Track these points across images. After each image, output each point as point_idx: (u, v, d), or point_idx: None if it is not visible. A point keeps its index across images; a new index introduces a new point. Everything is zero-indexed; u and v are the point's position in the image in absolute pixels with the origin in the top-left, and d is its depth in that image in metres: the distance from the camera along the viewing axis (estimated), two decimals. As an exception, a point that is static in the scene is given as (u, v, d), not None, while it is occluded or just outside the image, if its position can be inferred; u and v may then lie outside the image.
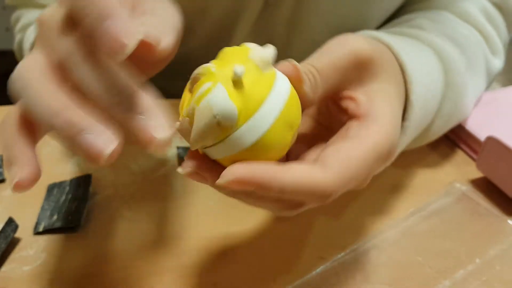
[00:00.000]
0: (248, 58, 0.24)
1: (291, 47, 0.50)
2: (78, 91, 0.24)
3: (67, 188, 0.40)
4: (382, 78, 0.30)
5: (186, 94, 0.25)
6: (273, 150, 0.24)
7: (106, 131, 0.22)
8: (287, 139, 0.25)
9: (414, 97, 0.33)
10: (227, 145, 0.24)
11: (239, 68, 0.23)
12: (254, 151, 0.24)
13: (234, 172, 0.23)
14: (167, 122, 0.23)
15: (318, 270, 0.35)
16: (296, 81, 0.26)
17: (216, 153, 0.24)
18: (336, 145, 0.26)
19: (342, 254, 0.36)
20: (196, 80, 0.24)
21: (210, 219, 0.38)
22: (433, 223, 0.38)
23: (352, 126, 0.28)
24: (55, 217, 0.37)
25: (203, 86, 0.23)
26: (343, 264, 0.35)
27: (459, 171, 0.43)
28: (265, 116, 0.23)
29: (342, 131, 0.28)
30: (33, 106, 0.24)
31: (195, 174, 0.25)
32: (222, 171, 0.24)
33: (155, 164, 0.43)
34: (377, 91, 0.29)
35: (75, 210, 0.38)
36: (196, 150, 0.26)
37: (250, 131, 0.23)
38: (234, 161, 0.24)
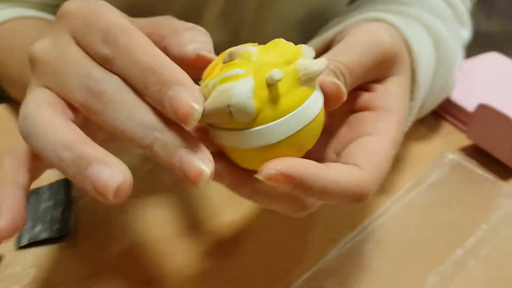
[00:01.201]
0: (294, 64, 0.22)
1: (263, 26, 0.49)
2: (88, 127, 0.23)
3: (46, 194, 0.36)
4: (399, 70, 0.29)
5: (217, 62, 0.23)
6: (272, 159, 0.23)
7: (120, 163, 0.20)
8: (291, 155, 0.23)
9: (420, 78, 0.32)
10: (231, 136, 0.22)
11: (277, 74, 0.21)
12: (253, 154, 0.23)
13: (276, 165, 0.22)
14: (207, 151, 0.21)
15: (332, 254, 0.33)
16: (334, 100, 0.24)
17: (217, 136, 0.23)
18: (360, 142, 0.26)
19: (353, 234, 0.35)
20: (232, 57, 0.22)
21: (210, 212, 0.36)
22: (434, 196, 0.38)
23: (368, 119, 0.27)
24: (38, 227, 0.33)
25: (234, 70, 0.21)
26: (356, 245, 0.34)
27: (448, 141, 0.43)
28: (278, 129, 0.22)
29: (354, 122, 0.28)
30: (43, 142, 0.21)
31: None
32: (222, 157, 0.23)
33: (139, 159, 0.40)
34: (394, 83, 0.29)
35: (61, 217, 0.34)
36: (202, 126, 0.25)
37: (258, 136, 0.22)
38: (232, 152, 0.23)
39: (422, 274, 0.32)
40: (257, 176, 0.22)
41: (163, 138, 0.21)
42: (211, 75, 0.23)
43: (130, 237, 0.34)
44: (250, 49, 0.22)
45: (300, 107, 0.22)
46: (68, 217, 0.34)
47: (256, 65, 0.22)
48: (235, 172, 0.24)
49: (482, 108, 0.39)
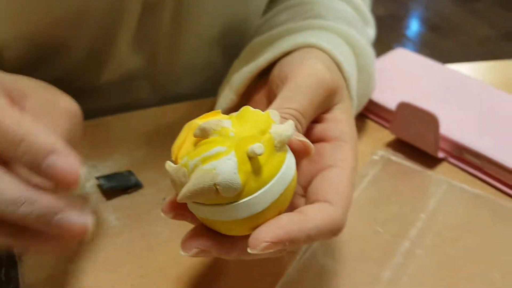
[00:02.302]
0: (268, 132, 0.23)
1: (180, 46, 0.48)
2: None
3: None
4: (342, 97, 0.31)
5: (186, 136, 0.24)
6: (257, 224, 0.24)
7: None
8: (274, 216, 0.24)
9: (353, 92, 0.35)
10: (216, 211, 0.23)
11: (259, 149, 0.22)
12: (239, 224, 0.24)
13: (265, 237, 0.23)
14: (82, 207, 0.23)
15: (294, 266, 0.34)
16: (303, 156, 0.26)
17: (200, 212, 0.24)
18: (324, 176, 0.27)
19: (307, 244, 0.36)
20: (207, 133, 0.23)
21: (172, 247, 0.35)
22: (373, 193, 0.41)
23: (326, 151, 0.29)
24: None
25: (215, 148, 0.22)
26: (312, 254, 0.35)
27: (375, 139, 0.46)
28: (263, 198, 0.23)
29: (313, 156, 0.29)
30: None
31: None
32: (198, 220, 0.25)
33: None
34: (340, 110, 0.31)
35: (6, 278, 0.32)
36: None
37: (245, 208, 0.23)
38: (217, 223, 0.24)
39: (377, 270, 0.34)
40: (250, 251, 0.23)
41: (34, 210, 0.21)
42: (185, 151, 0.23)
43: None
44: (226, 124, 0.23)
45: (280, 172, 0.23)
46: (14, 276, 0.32)
47: (235, 140, 0.22)
48: (222, 243, 0.25)
49: (403, 106, 0.42)
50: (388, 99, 0.47)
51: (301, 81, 0.29)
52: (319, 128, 0.30)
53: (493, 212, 0.39)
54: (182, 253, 0.25)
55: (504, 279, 0.34)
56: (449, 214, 0.39)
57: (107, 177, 0.39)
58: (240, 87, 0.37)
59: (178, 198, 0.23)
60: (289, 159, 0.24)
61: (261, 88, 0.36)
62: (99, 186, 0.39)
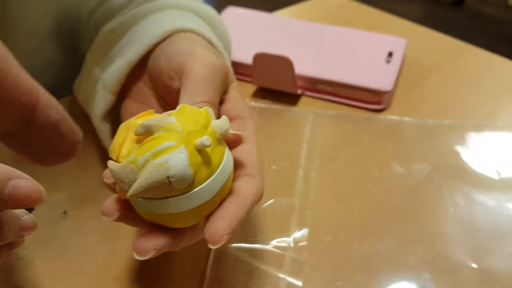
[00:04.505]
0: (211, 126, 0.25)
1: (14, 46, 0.45)
2: None
3: None
4: (232, 76, 0.34)
5: (126, 135, 0.24)
6: (204, 214, 0.26)
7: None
8: (217, 203, 0.26)
9: (229, 65, 0.37)
10: (166, 204, 0.24)
11: (207, 141, 0.24)
12: (188, 214, 0.25)
13: (224, 230, 0.25)
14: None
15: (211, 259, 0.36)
16: (236, 146, 0.29)
17: (148, 207, 0.25)
18: (239, 152, 0.30)
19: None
20: (151, 130, 0.23)
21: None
22: (260, 140, 0.44)
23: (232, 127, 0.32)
24: None
25: (165, 143, 0.23)
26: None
27: (241, 95, 0.50)
28: (211, 187, 0.25)
29: None
30: None
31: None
32: (142, 220, 0.26)
33: None
34: (233, 90, 0.34)
35: None
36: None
37: (195, 198, 0.24)
38: (164, 217, 0.25)
39: (287, 200, 0.39)
40: (212, 247, 0.25)
41: None
42: (128, 149, 0.24)
43: None
44: (169, 119, 0.24)
45: (223, 162, 0.25)
46: None
47: (183, 134, 0.24)
48: (173, 238, 0.26)
49: (259, 57, 0.47)
50: (242, 55, 0.51)
51: (202, 73, 0.31)
52: (221, 110, 0.32)
53: (355, 124, 0.47)
54: (138, 257, 0.25)
55: (380, 172, 0.42)
56: (323, 137, 0.45)
57: None
58: (116, 86, 0.37)
59: (129, 194, 0.23)
60: (227, 150, 0.26)
61: (137, 79, 0.37)
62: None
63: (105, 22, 0.42)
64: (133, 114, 0.36)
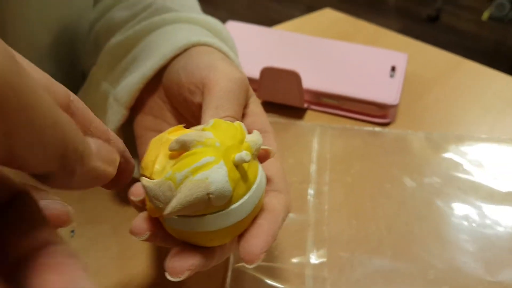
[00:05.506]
0: (246, 141, 0.24)
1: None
2: None
3: None
4: (251, 90, 0.34)
5: (157, 149, 0.23)
6: (239, 231, 0.25)
7: None
8: (251, 220, 0.26)
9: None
10: (203, 222, 0.23)
11: (247, 156, 0.23)
12: (223, 232, 0.24)
13: (260, 249, 0.24)
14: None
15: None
16: (266, 160, 0.28)
17: (184, 225, 0.24)
18: (264, 165, 0.29)
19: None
20: (187, 145, 0.22)
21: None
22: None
23: None
24: None
25: (204, 158, 0.22)
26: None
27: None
28: (249, 202, 0.24)
29: None
30: None
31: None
32: (171, 239, 0.25)
33: None
34: (254, 104, 0.33)
35: None
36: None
37: (232, 215, 0.24)
38: (199, 235, 0.24)
39: (301, 216, 0.39)
40: (249, 266, 0.24)
41: None
42: (162, 166, 0.23)
43: None
44: (207, 134, 0.23)
45: (258, 177, 0.25)
46: None
47: (221, 150, 0.23)
48: (205, 257, 0.25)
49: (266, 71, 0.47)
50: (248, 69, 0.50)
51: (225, 87, 0.30)
52: (244, 124, 0.32)
53: (362, 138, 0.47)
54: (171, 278, 0.24)
55: (392, 186, 0.42)
56: (331, 151, 0.45)
57: None
58: (130, 100, 0.36)
59: (166, 212, 0.22)
60: (260, 165, 0.26)
61: (151, 93, 0.36)
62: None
63: (107, 35, 0.41)
64: (148, 128, 0.36)
